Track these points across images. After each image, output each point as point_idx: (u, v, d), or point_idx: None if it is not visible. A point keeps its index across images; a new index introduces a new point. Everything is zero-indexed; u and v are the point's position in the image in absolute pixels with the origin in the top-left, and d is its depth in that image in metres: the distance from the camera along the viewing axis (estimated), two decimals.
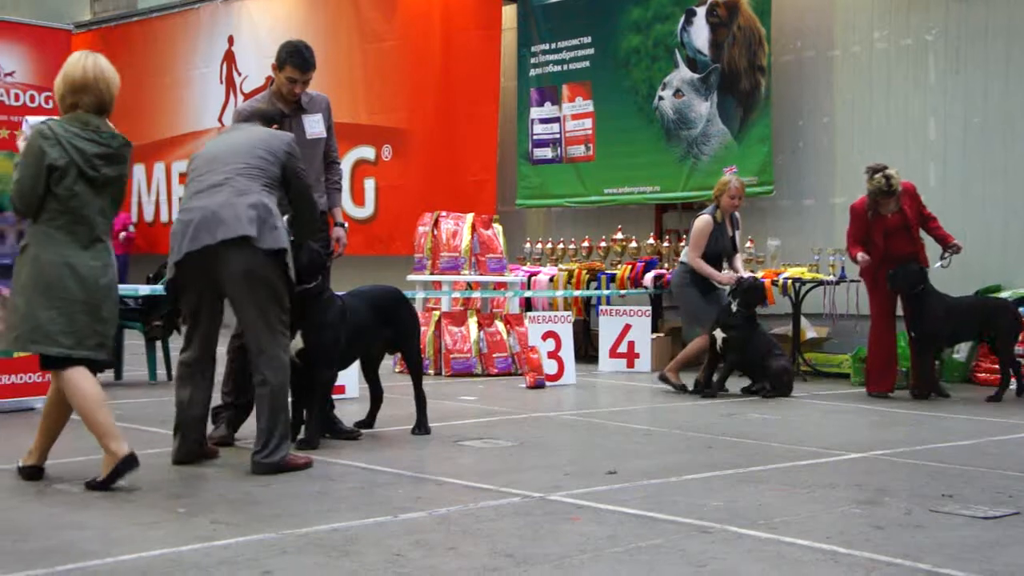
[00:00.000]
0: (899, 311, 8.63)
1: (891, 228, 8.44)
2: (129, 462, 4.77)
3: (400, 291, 6.50)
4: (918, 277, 8.39)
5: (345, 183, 12.75)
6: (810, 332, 10.39)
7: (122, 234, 16.04)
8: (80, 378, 4.85)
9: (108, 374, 8.94)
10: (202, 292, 5.29)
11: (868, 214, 8.46)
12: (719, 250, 8.72)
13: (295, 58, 5.99)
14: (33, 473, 5.02)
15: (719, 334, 8.36)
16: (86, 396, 4.82)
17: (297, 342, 5.81)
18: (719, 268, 8.68)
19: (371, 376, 6.50)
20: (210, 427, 5.77)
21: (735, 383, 8.68)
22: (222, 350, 5.71)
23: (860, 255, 8.46)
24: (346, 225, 6.32)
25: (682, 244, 11.22)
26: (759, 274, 10.12)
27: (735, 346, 8.33)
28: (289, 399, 5.34)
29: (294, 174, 5.40)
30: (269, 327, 5.21)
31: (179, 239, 5.21)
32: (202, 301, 5.32)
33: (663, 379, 8.72)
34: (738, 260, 8.92)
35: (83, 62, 4.93)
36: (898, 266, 8.40)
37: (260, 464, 5.16)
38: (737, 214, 8.90)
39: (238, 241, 5.10)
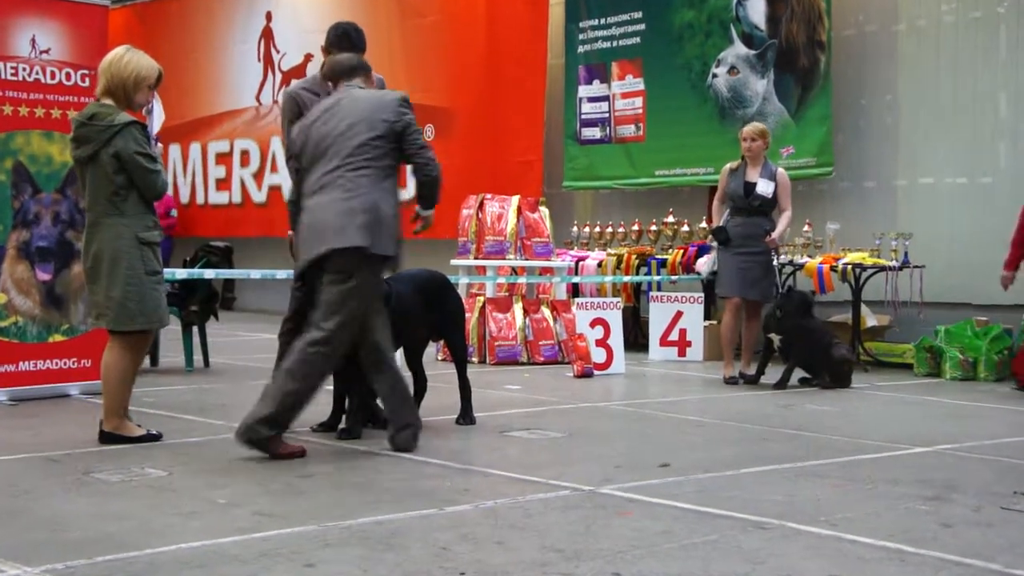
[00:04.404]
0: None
1: None
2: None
3: (445, 276, 6.51)
4: None
5: None
6: (871, 320, 10.29)
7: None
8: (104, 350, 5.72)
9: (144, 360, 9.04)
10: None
11: None
12: (731, 197, 8.69)
13: (343, 42, 6.05)
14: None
15: (774, 337, 8.42)
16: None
17: None
18: (740, 212, 8.62)
19: (415, 364, 6.51)
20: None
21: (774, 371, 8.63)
22: None
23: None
24: None
25: None
26: (817, 259, 10.05)
27: (793, 348, 8.39)
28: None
29: (408, 139, 5.46)
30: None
31: (301, 243, 5.47)
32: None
33: (731, 381, 8.63)
34: (783, 220, 8.74)
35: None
36: None
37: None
38: (779, 168, 8.82)
39: (350, 249, 5.29)
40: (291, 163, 5.95)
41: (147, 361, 9.01)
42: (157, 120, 5.89)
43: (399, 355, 6.80)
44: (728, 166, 8.80)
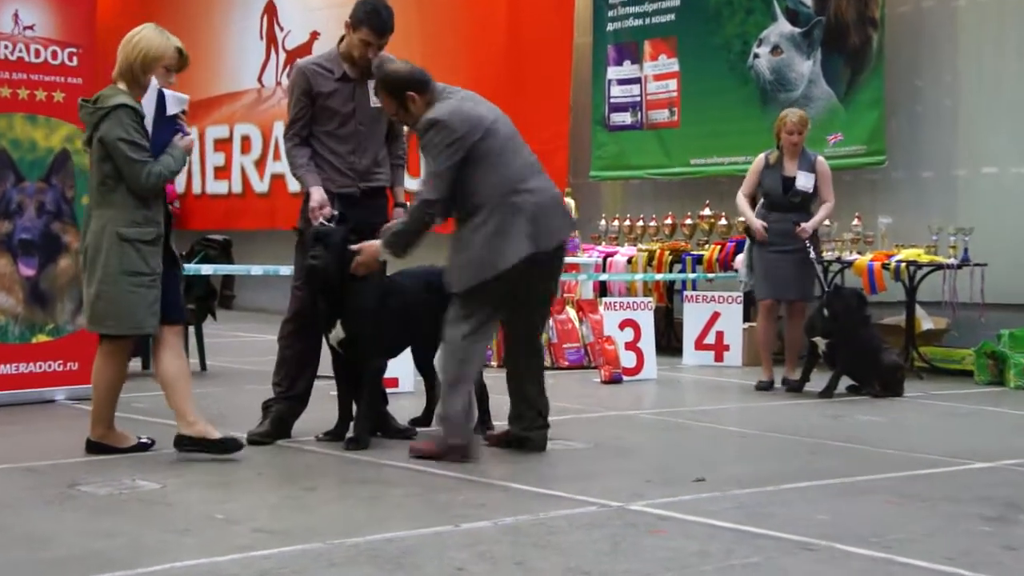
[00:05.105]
0: None
1: None
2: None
3: None
4: None
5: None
6: (926, 323, 10.24)
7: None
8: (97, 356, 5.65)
9: (135, 363, 9.05)
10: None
11: None
12: (766, 193, 8.69)
13: (373, 20, 6.03)
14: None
15: (820, 341, 8.34)
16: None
17: (337, 332, 5.87)
18: (777, 208, 8.60)
19: (424, 367, 6.55)
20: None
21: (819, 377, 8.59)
22: None
23: None
24: (408, 205, 6.33)
25: None
26: (868, 256, 9.99)
27: (840, 353, 8.31)
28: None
29: None
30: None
31: (542, 223, 5.63)
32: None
33: (763, 387, 8.61)
34: (822, 210, 8.73)
35: None
36: None
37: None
38: (818, 156, 8.77)
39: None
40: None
41: (138, 364, 9.05)
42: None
43: (408, 359, 6.83)
44: (764, 157, 8.76)
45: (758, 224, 8.58)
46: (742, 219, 11.13)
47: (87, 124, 5.55)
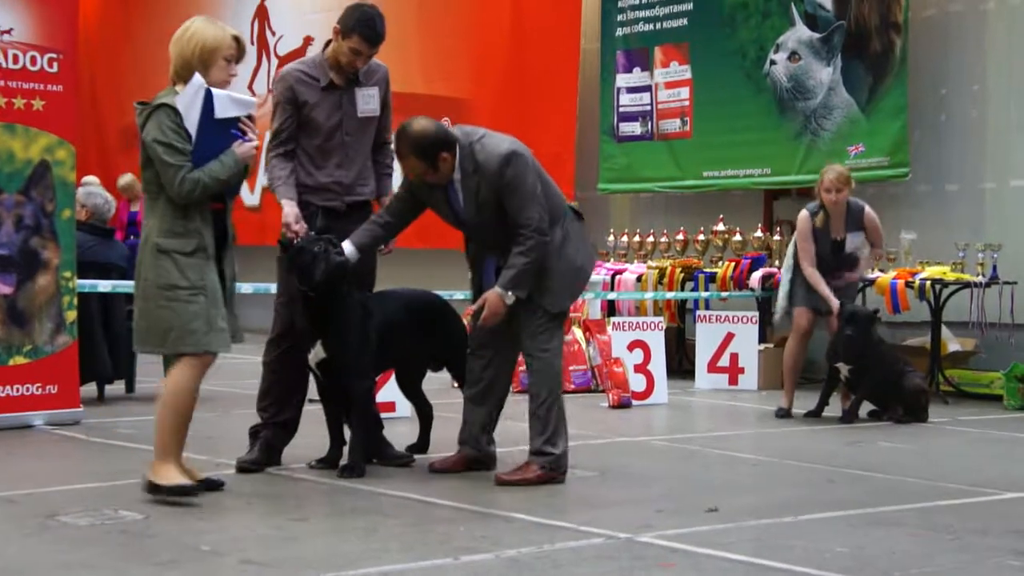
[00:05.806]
0: None
1: None
2: None
3: (440, 297, 6.63)
4: None
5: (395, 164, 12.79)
6: (953, 344, 10.24)
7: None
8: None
9: (118, 385, 9.05)
10: None
11: None
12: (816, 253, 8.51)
13: (365, 29, 6.01)
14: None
15: (843, 367, 8.32)
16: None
17: (317, 352, 5.86)
18: (824, 267, 8.46)
19: (412, 392, 6.62)
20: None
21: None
22: None
23: None
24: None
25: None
26: (891, 274, 10.01)
27: (863, 378, 8.30)
28: None
29: None
30: None
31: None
32: None
33: (783, 414, 8.57)
34: (867, 260, 8.70)
35: None
36: None
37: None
38: (863, 207, 8.62)
39: None
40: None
41: (122, 386, 9.06)
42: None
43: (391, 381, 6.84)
44: (809, 219, 8.48)
45: (837, 304, 8.35)
46: (759, 235, 11.26)
47: (139, 128, 5.32)
